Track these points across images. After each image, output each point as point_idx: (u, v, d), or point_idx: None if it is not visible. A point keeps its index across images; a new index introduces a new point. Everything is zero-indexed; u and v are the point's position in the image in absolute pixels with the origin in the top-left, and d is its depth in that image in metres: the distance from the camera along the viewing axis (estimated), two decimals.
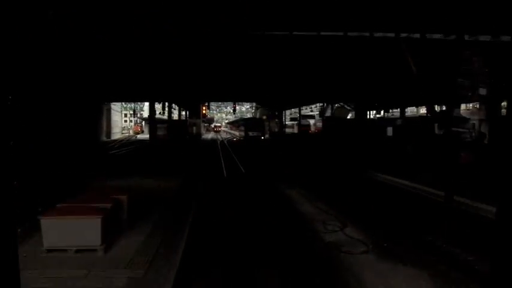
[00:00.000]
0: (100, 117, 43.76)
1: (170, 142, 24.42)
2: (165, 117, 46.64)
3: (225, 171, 16.61)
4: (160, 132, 24.85)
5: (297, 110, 66.82)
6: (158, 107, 45.75)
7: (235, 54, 19.99)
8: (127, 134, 65.09)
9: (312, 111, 54.13)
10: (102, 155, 22.30)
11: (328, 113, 55.95)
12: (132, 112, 61.98)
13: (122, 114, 69.23)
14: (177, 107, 51.07)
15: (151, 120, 21.65)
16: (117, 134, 56.65)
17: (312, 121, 55.18)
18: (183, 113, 54.95)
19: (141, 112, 75.01)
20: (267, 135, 47.42)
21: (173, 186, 11.46)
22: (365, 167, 15.96)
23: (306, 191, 11.40)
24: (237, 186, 12.50)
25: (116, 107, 57.41)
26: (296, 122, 57.64)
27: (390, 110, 46.37)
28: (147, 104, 69.31)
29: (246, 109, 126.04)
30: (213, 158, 21.97)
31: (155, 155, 20.98)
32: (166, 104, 47.61)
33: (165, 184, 11.70)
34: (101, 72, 25.51)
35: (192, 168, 16.85)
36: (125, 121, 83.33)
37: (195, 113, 51.50)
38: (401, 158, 16.89)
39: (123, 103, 71.09)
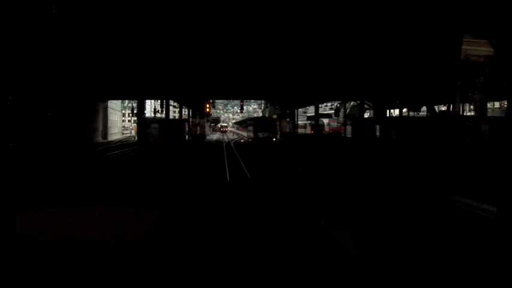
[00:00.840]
0: (93, 116, 39.79)
1: (163, 144, 20.22)
2: (170, 116, 42.50)
3: (229, 189, 12.22)
4: (151, 134, 20.67)
5: (307, 108, 62.40)
6: (159, 105, 41.82)
7: (241, 45, 17.40)
8: (128, 135, 61.06)
9: (332, 109, 49.45)
10: (79, 161, 18.00)
11: (342, 112, 51.38)
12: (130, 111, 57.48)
13: (121, 113, 65.29)
14: (183, 106, 47.02)
15: (140, 120, 17.40)
16: (115, 134, 52.58)
17: (325, 120, 50.59)
18: (186, 112, 50.81)
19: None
20: (278, 137, 42.81)
21: (135, 233, 6.95)
22: (440, 186, 10.92)
23: (364, 235, 6.91)
24: (247, 228, 7.41)
25: (114, 105, 53.38)
26: (309, 122, 53.17)
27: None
28: (148, 102, 65.47)
29: (253, 109, 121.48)
30: (215, 167, 17.54)
31: (143, 161, 16.75)
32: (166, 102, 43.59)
33: (126, 226, 7.22)
34: (91, 67, 21.66)
35: (182, 184, 12.40)
36: (128, 121, 79.32)
37: (199, 112, 47.31)
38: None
39: (124, 101, 67.34)
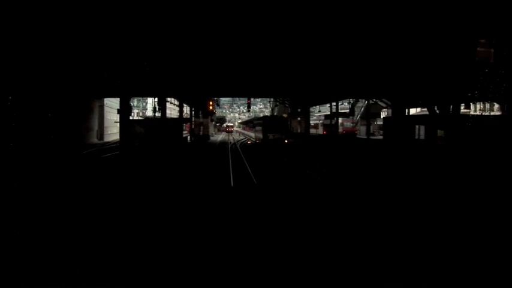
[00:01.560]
0: (87, 116, 36.52)
1: (154, 148, 16.78)
2: (173, 115, 38.99)
3: (232, 220, 8.54)
4: (139, 136, 17.21)
5: (315, 108, 58.47)
6: (168, 105, 38.09)
7: (249, 36, 15.82)
8: None
9: (350, 106, 45.84)
10: (46, 169, 14.45)
11: (359, 111, 47.67)
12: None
13: None
14: (185, 105, 43.54)
15: (122, 120, 13.90)
16: (114, 134, 49.01)
17: (339, 120, 46.92)
18: (187, 110, 47.45)
19: (145, 111, 68.04)
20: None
21: None
22: None
23: None
24: None
25: (113, 103, 49.85)
26: (321, 122, 49.54)
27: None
28: (150, 101, 62.30)
29: (259, 108, 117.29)
30: (216, 179, 13.90)
31: (124, 171, 13.30)
32: (169, 100, 40.10)
33: None
34: (80, 59, 18.54)
35: (163, 214, 8.72)
36: None
37: (203, 110, 43.80)
38: None
39: (130, 100, 64.18)
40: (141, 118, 54.59)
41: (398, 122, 20.34)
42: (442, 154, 13.95)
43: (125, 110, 14.09)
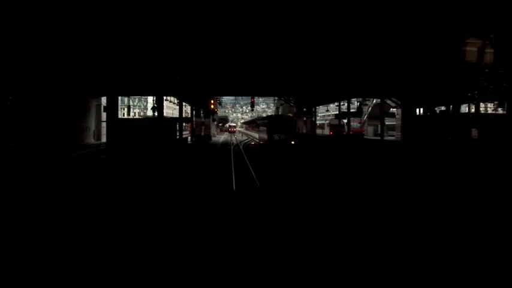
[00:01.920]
0: (83, 115, 34.91)
1: (145, 150, 15.24)
2: (174, 115, 37.49)
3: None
4: (129, 137, 15.69)
5: (319, 108, 56.68)
6: (168, 104, 36.62)
7: (253, 32, 15.57)
8: None
9: (358, 105, 44.29)
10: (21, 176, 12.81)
11: (364, 110, 45.91)
12: (127, 110, 52.16)
13: (121, 112, 60.72)
14: (186, 104, 42.03)
15: (110, 120, 12.32)
16: None
17: (345, 120, 45.15)
18: (188, 110, 45.94)
19: (145, 110, 66.89)
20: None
21: None
22: None
23: None
24: None
25: None
26: (327, 122, 47.82)
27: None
28: (150, 100, 60.93)
29: (261, 108, 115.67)
30: (216, 185, 12.18)
31: (109, 177, 11.70)
32: (169, 99, 38.60)
33: None
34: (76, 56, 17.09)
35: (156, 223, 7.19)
36: None
37: (205, 110, 42.20)
38: None
39: (135, 99, 63.39)
40: (141, 118, 53.27)
41: (426, 121, 18.64)
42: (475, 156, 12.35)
43: (112, 109, 12.47)
